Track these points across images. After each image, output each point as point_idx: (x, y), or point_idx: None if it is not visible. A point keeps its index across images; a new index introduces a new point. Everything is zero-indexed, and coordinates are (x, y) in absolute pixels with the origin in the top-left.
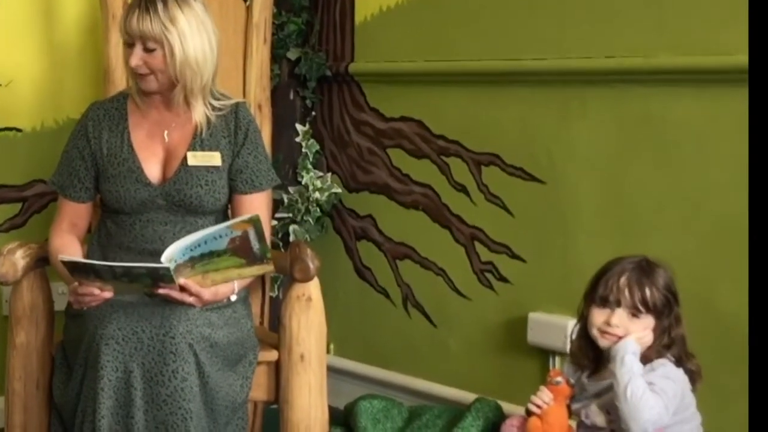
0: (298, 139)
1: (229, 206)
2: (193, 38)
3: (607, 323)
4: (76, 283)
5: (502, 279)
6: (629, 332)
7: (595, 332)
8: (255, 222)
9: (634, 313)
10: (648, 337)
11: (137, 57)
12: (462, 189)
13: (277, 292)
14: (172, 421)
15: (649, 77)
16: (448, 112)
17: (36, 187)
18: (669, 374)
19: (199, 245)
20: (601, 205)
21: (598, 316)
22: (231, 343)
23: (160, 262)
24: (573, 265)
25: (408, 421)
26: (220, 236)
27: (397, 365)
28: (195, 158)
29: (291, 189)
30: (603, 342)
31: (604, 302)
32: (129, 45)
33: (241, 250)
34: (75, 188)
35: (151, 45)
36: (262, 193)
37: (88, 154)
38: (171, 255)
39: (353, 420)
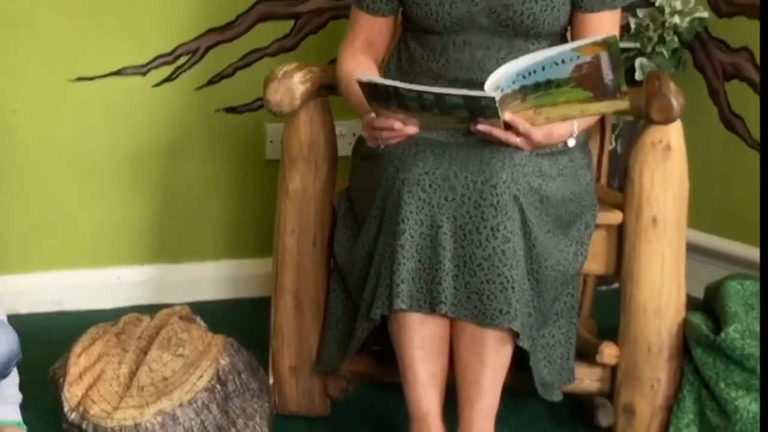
0: None
1: (569, 29)
2: None
3: None
4: (373, 114)
5: None
6: None
7: None
8: (611, 45)
9: None
10: None
11: None
12: None
13: (614, 144)
14: (489, 291)
15: None
16: None
17: (312, 2)
18: None
19: (534, 71)
20: None
21: None
22: (565, 199)
23: (481, 91)
24: None
25: None
26: (563, 61)
27: None
28: None
29: (640, 12)
30: None
31: None
32: None
33: (588, 80)
34: None
35: None
36: (614, 11)
37: None
38: (496, 82)
39: (718, 304)
